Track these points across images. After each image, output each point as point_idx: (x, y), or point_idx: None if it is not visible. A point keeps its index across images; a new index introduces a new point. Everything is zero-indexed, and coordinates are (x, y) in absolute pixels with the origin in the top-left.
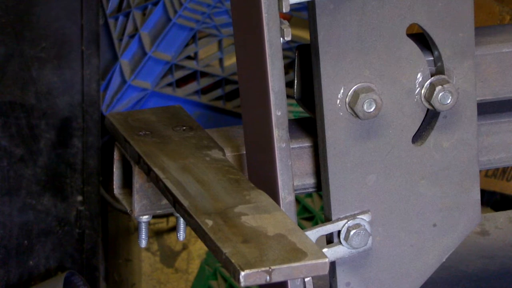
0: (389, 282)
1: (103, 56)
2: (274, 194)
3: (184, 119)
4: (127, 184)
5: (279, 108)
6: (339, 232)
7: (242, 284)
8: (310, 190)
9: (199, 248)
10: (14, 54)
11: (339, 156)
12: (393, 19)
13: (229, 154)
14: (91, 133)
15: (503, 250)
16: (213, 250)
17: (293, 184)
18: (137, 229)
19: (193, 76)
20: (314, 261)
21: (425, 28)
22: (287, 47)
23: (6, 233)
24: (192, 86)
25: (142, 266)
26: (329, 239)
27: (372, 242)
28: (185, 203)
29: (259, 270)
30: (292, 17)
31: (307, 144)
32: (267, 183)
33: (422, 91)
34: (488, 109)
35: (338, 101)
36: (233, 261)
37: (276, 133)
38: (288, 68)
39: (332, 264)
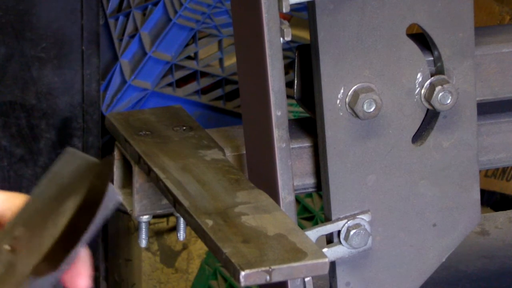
0: (389, 282)
1: (103, 56)
2: (274, 194)
3: (184, 119)
4: (127, 184)
5: (279, 108)
6: (339, 232)
7: (242, 284)
8: (310, 190)
9: (199, 248)
10: (14, 54)
11: (339, 156)
12: (393, 19)
13: (229, 154)
14: (91, 133)
15: (503, 250)
16: (213, 250)
17: (293, 184)
18: (137, 229)
19: (193, 76)
20: (314, 261)
21: (425, 28)
22: (287, 47)
23: None
24: (192, 86)
25: (142, 266)
26: (329, 239)
27: (372, 242)
28: (185, 203)
29: (259, 270)
30: (292, 17)
31: (307, 144)
32: (267, 183)
33: (422, 91)
34: (488, 109)
35: (338, 101)
36: (233, 261)
37: (276, 133)
38: (288, 68)
39: (332, 264)
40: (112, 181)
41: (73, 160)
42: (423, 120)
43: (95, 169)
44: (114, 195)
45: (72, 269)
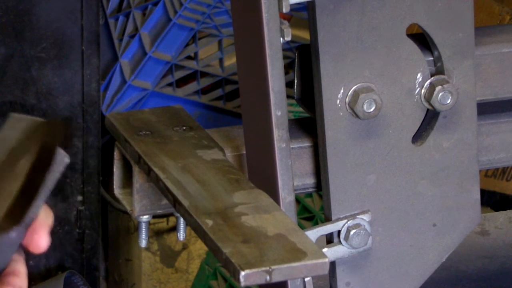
0: (389, 282)
1: (103, 56)
2: (274, 194)
3: (184, 119)
4: (127, 184)
5: (279, 108)
6: (339, 232)
7: (242, 284)
8: (310, 190)
9: (199, 248)
10: (14, 54)
11: (339, 156)
12: (393, 19)
13: (229, 154)
14: (91, 133)
15: (503, 250)
16: (213, 250)
17: (293, 184)
18: (137, 229)
19: (193, 76)
20: (314, 261)
21: (425, 28)
22: (287, 47)
23: None
24: (192, 86)
25: (142, 266)
26: (329, 239)
27: (372, 242)
28: (185, 203)
29: (259, 270)
30: (292, 17)
31: (307, 144)
32: (267, 183)
33: (422, 91)
34: (488, 109)
35: (338, 101)
36: (233, 261)
37: (276, 133)
38: (288, 68)
39: (332, 264)
40: (112, 182)
41: (19, 124)
42: (423, 120)
43: (44, 128)
44: (62, 157)
45: (30, 229)
